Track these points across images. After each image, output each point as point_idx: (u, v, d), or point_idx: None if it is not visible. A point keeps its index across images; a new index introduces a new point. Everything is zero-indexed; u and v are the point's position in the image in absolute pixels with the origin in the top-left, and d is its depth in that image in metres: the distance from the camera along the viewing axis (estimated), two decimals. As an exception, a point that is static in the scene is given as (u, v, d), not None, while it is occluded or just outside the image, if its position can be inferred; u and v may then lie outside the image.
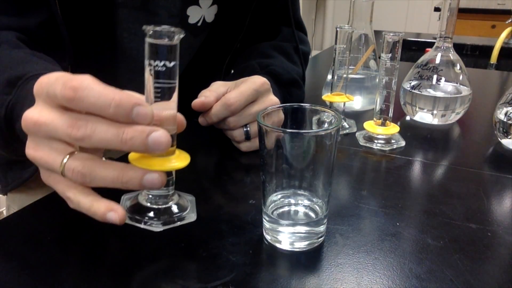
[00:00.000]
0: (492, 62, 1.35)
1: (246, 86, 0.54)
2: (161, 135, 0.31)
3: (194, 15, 0.64)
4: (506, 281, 0.35)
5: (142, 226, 0.37)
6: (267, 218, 0.39)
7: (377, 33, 0.75)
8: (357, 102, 0.74)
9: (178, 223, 0.38)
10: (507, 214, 0.44)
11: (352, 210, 0.44)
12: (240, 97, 0.53)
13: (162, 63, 0.32)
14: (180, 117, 0.37)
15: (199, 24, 0.65)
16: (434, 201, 0.46)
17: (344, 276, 0.35)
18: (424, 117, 0.69)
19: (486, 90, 0.95)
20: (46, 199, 0.46)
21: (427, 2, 2.89)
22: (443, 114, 0.68)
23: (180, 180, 0.51)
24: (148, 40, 0.32)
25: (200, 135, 0.62)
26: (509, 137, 0.59)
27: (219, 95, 0.54)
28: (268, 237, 0.39)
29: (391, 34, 0.55)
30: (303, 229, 0.38)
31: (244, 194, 0.47)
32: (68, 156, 0.33)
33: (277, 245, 0.38)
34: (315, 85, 0.91)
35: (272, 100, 0.55)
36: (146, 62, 0.33)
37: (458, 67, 0.68)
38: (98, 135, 0.31)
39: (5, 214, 0.79)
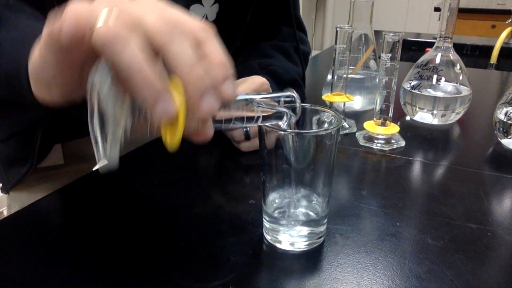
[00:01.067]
0: (492, 62, 1.35)
1: (245, 87, 0.54)
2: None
3: (197, 13, 0.64)
4: (506, 281, 0.35)
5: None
6: (267, 218, 0.39)
7: (377, 33, 0.75)
8: (357, 102, 0.74)
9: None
10: (507, 214, 0.44)
11: (352, 210, 0.44)
12: None
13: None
14: None
15: None
16: (434, 201, 0.46)
17: (344, 276, 0.35)
18: (424, 117, 0.69)
19: (486, 90, 0.95)
20: (47, 199, 0.46)
21: (427, 2, 2.89)
22: (443, 114, 0.68)
23: (180, 180, 0.51)
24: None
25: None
26: (509, 137, 0.59)
27: None
28: (268, 237, 0.39)
29: (391, 34, 0.55)
30: (303, 229, 0.38)
31: (244, 194, 0.48)
32: None
33: (277, 245, 0.38)
34: (315, 85, 0.91)
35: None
36: None
37: (458, 67, 0.68)
38: None
39: (5, 214, 0.80)
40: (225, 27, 0.70)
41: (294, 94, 0.36)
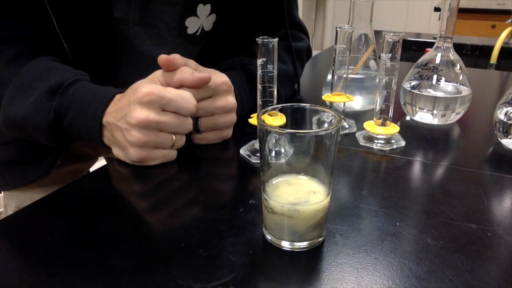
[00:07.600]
0: (492, 62, 1.35)
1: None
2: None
3: (193, 25, 0.64)
4: (506, 281, 0.35)
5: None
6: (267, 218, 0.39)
7: (377, 33, 0.75)
8: (357, 102, 0.74)
9: None
10: (507, 214, 0.44)
11: (352, 210, 0.44)
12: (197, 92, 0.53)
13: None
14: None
15: (197, 33, 0.66)
16: (434, 201, 0.46)
17: (344, 276, 0.35)
18: (424, 117, 0.69)
19: (486, 90, 0.95)
20: (46, 199, 0.46)
21: (427, 2, 2.89)
22: (443, 114, 0.68)
23: (180, 180, 0.51)
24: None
25: (200, 135, 0.62)
26: (509, 137, 0.59)
27: (187, 64, 0.54)
28: (268, 237, 0.39)
29: (391, 34, 0.55)
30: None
31: (244, 194, 0.48)
32: (175, 137, 0.52)
33: (277, 245, 0.38)
34: (315, 85, 0.91)
35: (228, 100, 0.56)
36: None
37: (458, 67, 0.68)
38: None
39: (3, 213, 0.80)
40: (222, 35, 0.70)
41: None
